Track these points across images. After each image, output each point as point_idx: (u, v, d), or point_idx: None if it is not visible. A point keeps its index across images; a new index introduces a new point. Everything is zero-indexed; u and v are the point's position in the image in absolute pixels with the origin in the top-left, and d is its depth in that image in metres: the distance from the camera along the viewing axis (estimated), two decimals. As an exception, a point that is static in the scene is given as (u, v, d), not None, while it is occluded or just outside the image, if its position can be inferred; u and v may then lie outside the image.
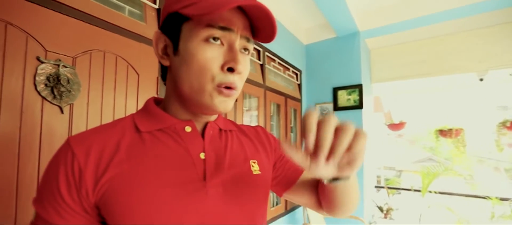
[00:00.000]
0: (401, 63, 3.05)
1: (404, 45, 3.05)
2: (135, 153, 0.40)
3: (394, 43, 3.07)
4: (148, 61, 1.28)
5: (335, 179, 0.41)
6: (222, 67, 0.40)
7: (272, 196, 2.31)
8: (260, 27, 0.43)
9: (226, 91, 0.41)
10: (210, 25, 0.39)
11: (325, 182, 0.43)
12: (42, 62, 0.91)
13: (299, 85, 2.94)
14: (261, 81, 2.22)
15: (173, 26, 0.42)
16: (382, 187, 3.18)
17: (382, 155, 8.05)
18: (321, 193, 0.55)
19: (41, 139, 0.89)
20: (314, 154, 0.34)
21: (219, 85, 0.41)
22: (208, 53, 0.40)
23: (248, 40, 0.43)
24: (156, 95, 1.31)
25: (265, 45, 2.29)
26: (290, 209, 2.51)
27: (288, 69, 2.74)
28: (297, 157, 0.35)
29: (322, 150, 0.33)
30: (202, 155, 0.44)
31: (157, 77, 1.32)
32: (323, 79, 2.94)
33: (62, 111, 0.94)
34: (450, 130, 3.49)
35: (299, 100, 2.91)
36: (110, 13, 1.14)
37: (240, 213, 0.44)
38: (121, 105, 1.14)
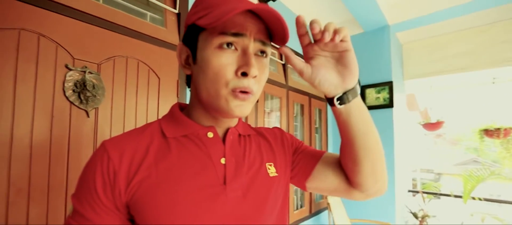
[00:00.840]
0: (437, 57, 2.80)
1: (440, 38, 2.80)
2: (162, 157, 0.43)
3: (428, 35, 2.83)
4: (169, 65, 1.32)
5: (343, 96, 0.44)
6: (236, 72, 0.41)
7: (295, 198, 2.26)
8: (274, 29, 0.43)
9: (241, 95, 0.42)
10: (222, 33, 0.41)
11: (336, 101, 0.44)
12: (70, 70, 0.97)
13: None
14: (283, 81, 2.18)
15: (191, 37, 0.45)
16: (417, 192, 2.95)
17: (418, 156, 7.52)
18: (341, 152, 0.52)
19: (70, 141, 0.95)
20: (315, 40, 0.41)
21: (234, 90, 0.42)
22: (221, 60, 0.41)
23: (263, 43, 0.43)
24: (176, 98, 1.34)
25: (288, 44, 2.24)
26: (314, 212, 2.43)
27: (312, 68, 2.66)
28: (296, 61, 0.43)
29: (314, 25, 0.39)
30: (222, 160, 0.46)
31: (177, 80, 1.35)
32: (350, 78, 2.81)
33: (88, 115, 1.00)
34: (498, 129, 3.11)
35: (324, 100, 2.82)
36: (132, 20, 1.19)
37: (258, 215, 0.46)
38: (142, 108, 1.19)
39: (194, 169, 0.43)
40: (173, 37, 1.36)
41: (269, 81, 2.01)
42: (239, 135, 0.52)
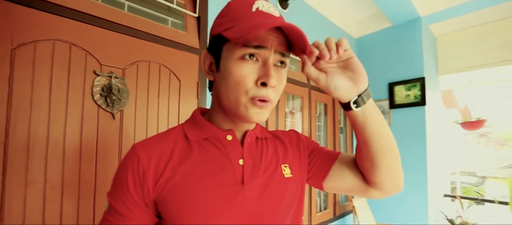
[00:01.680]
0: (477, 49, 2.55)
1: (479, 28, 2.55)
2: (185, 159, 0.47)
3: (466, 26, 2.59)
4: (189, 68, 1.36)
5: (358, 99, 0.46)
6: (256, 82, 0.44)
7: (318, 200, 2.20)
8: (294, 42, 0.46)
9: (259, 103, 0.45)
10: (245, 45, 0.44)
11: (352, 105, 0.47)
12: (98, 75, 1.04)
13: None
14: (305, 81, 2.14)
15: (216, 47, 0.48)
16: (455, 196, 2.72)
17: (457, 158, 6.94)
18: (357, 153, 0.54)
19: (98, 142, 1.02)
20: (319, 55, 0.44)
21: (253, 98, 0.45)
22: (243, 70, 0.44)
23: (283, 54, 0.46)
24: (196, 99, 1.38)
25: (309, 42, 2.20)
26: (339, 215, 2.35)
27: (336, 66, 2.58)
28: (311, 70, 0.46)
29: (321, 47, 0.44)
30: (241, 161, 0.49)
31: (197, 82, 1.39)
32: (377, 75, 2.68)
33: (113, 117, 1.07)
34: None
35: (349, 99, 2.71)
36: (154, 26, 1.25)
37: (274, 213, 0.48)
38: (164, 110, 1.24)
39: (214, 169, 0.47)
40: (193, 41, 1.40)
41: (291, 81, 1.99)
42: (257, 137, 0.55)
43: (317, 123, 2.28)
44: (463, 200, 2.63)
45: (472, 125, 3.07)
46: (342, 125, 2.66)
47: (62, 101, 0.95)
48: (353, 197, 2.54)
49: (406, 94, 2.44)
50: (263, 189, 0.48)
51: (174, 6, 1.33)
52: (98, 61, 1.05)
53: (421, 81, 2.36)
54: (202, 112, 0.56)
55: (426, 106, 2.35)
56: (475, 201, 2.66)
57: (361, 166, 0.54)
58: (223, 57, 0.47)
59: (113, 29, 1.10)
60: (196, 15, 1.44)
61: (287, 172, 0.54)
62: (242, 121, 0.49)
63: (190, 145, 0.49)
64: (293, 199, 0.53)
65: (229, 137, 0.50)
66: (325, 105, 2.40)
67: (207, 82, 0.55)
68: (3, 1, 0.86)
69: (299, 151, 0.59)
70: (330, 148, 2.38)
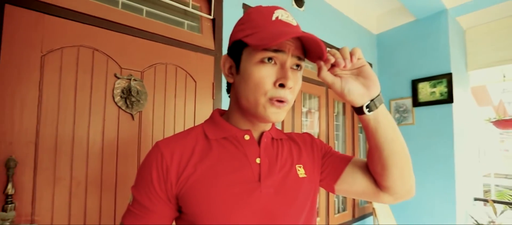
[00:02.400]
0: (510, 42, 2.36)
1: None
2: (205, 156, 0.50)
3: (497, 17, 2.40)
4: (205, 69, 1.39)
5: (370, 103, 0.49)
6: (274, 83, 0.47)
7: (336, 201, 2.16)
8: (311, 49, 0.49)
9: (277, 103, 0.47)
10: (265, 49, 0.46)
11: (365, 109, 0.49)
12: (118, 78, 1.10)
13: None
14: (321, 79, 2.11)
15: (236, 51, 0.51)
16: (486, 200, 2.53)
17: (491, 159, 6.46)
18: (369, 157, 0.56)
19: (118, 141, 1.08)
20: (334, 63, 0.48)
21: (271, 99, 0.47)
22: (262, 72, 0.47)
23: (299, 58, 0.49)
24: (212, 99, 1.40)
25: (326, 40, 2.16)
26: (358, 217, 2.29)
27: (355, 63, 2.50)
28: (327, 74, 0.49)
29: (336, 56, 0.47)
30: (257, 160, 0.52)
31: (213, 83, 1.42)
32: (399, 72, 2.56)
33: (133, 118, 1.12)
34: None
35: (369, 97, 2.62)
36: (171, 29, 1.29)
37: (288, 210, 0.50)
38: (180, 110, 1.28)
39: (233, 166, 0.50)
40: (209, 42, 1.43)
41: (307, 80, 1.96)
42: (272, 138, 0.57)
43: (335, 122, 2.23)
44: (496, 205, 2.45)
45: (507, 123, 2.84)
46: (361, 124, 2.58)
47: (86, 103, 1.01)
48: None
49: (431, 91, 2.31)
50: (278, 187, 0.51)
51: (190, 9, 1.37)
52: (118, 65, 1.11)
53: (447, 77, 2.23)
54: (220, 113, 0.59)
55: (453, 104, 2.22)
56: (510, 206, 2.46)
57: (373, 170, 0.55)
58: (243, 60, 0.49)
59: (132, 34, 1.15)
60: (211, 17, 1.47)
61: (301, 172, 0.56)
62: (260, 121, 0.51)
63: (210, 144, 0.52)
64: (306, 199, 0.55)
65: (247, 137, 0.53)
66: (344, 105, 2.34)
67: (225, 84, 0.58)
68: (34, 12, 0.94)
69: (312, 152, 0.62)
70: (349, 147, 2.32)
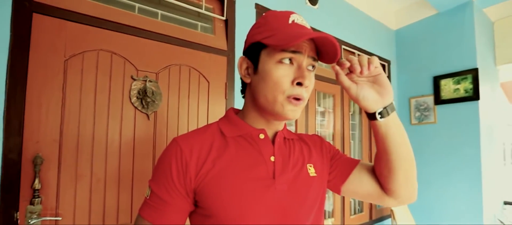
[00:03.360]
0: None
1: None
2: (223, 153, 0.52)
3: (532, 8, 2.23)
4: (217, 69, 1.41)
5: (383, 110, 0.51)
6: (292, 82, 0.50)
7: (352, 202, 2.11)
8: (324, 51, 0.52)
9: (294, 101, 0.50)
10: (283, 50, 0.49)
11: (377, 115, 0.51)
12: (135, 80, 1.15)
13: (388, 78, 2.56)
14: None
15: (254, 52, 0.54)
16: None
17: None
18: (376, 161, 0.59)
19: (135, 140, 1.13)
20: (351, 69, 0.51)
21: (289, 97, 0.50)
22: (280, 72, 0.50)
23: (314, 59, 0.52)
24: (225, 99, 1.43)
25: (342, 38, 2.12)
26: (376, 219, 2.22)
27: (372, 60, 2.43)
28: (344, 78, 0.51)
29: (353, 62, 0.50)
30: (272, 158, 0.54)
31: (226, 83, 1.44)
32: (420, 68, 2.46)
33: (148, 118, 1.17)
34: None
35: (388, 95, 2.53)
36: (185, 31, 1.32)
37: (299, 207, 0.53)
38: (194, 110, 1.31)
39: (249, 163, 0.52)
40: (222, 43, 1.45)
41: (321, 78, 1.93)
42: (285, 138, 0.60)
43: (351, 122, 2.18)
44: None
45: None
46: (379, 123, 2.50)
47: (104, 104, 1.07)
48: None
49: (455, 88, 2.19)
50: (291, 184, 0.53)
51: (203, 11, 1.40)
52: (134, 67, 1.16)
53: (473, 73, 2.11)
54: (234, 112, 0.61)
55: (480, 101, 2.09)
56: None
57: (379, 173, 0.58)
58: (262, 61, 0.52)
59: (148, 37, 1.20)
60: (224, 18, 1.49)
61: (312, 171, 0.58)
62: (277, 118, 0.54)
63: (226, 141, 0.54)
64: (316, 197, 0.57)
65: (262, 136, 0.55)
66: (360, 103, 2.28)
67: (240, 85, 0.61)
68: (58, 19, 1.00)
69: (322, 153, 0.64)
70: (365, 147, 2.25)
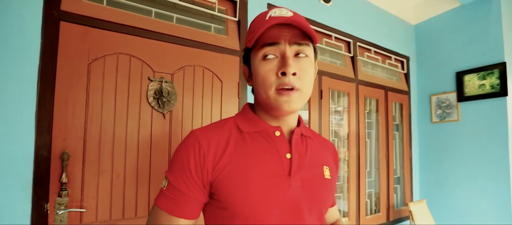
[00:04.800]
0: None
1: None
2: (240, 148, 0.53)
3: None
4: (230, 69, 1.45)
5: None
6: (276, 74, 0.50)
7: (368, 202, 2.06)
8: (309, 33, 0.51)
9: (284, 92, 0.50)
10: (262, 46, 0.51)
11: None
12: (151, 81, 1.21)
13: (406, 75, 2.48)
14: (352, 75, 2.03)
15: (247, 57, 0.57)
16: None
17: None
18: None
19: (152, 138, 1.19)
20: None
21: (277, 89, 0.50)
22: (265, 67, 0.51)
23: (299, 44, 0.51)
24: (237, 98, 1.46)
25: (357, 35, 2.08)
26: (393, 220, 2.15)
27: (389, 58, 2.36)
28: None
29: None
30: (288, 155, 0.54)
31: (238, 82, 1.47)
32: (441, 64, 2.35)
33: (164, 117, 1.22)
34: None
35: (406, 93, 2.45)
36: (198, 33, 1.37)
37: (312, 206, 0.54)
38: (207, 109, 1.35)
39: (266, 159, 0.52)
40: (234, 43, 1.49)
41: (335, 76, 1.91)
42: (301, 134, 0.60)
43: (366, 120, 2.13)
44: None
45: None
46: (397, 122, 2.42)
47: (124, 104, 1.14)
48: (410, 200, 2.30)
49: (480, 84, 2.08)
50: (305, 182, 0.53)
51: (216, 13, 1.44)
52: (151, 68, 1.22)
53: (500, 67, 1.99)
54: (251, 107, 0.62)
55: (508, 97, 1.97)
56: None
57: None
58: (252, 63, 0.55)
59: (164, 39, 1.26)
60: (237, 19, 1.52)
61: (327, 173, 0.59)
62: (277, 113, 0.54)
63: (243, 137, 0.54)
64: (327, 200, 0.58)
65: (278, 133, 0.56)
66: (377, 101, 2.22)
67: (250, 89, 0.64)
68: (82, 26, 1.08)
69: (334, 162, 0.66)
70: (382, 146, 2.20)
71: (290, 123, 0.58)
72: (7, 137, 0.93)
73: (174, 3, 1.33)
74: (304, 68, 0.51)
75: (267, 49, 0.50)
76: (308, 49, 0.52)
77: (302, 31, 0.51)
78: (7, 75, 0.94)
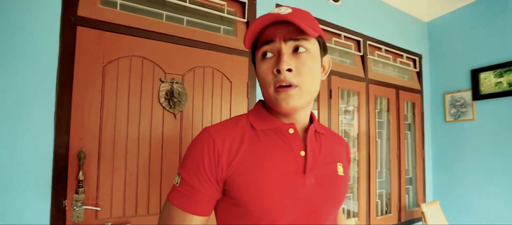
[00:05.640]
0: None
1: None
2: (254, 145, 0.52)
3: None
4: (239, 70, 1.47)
5: None
6: (272, 72, 0.51)
7: (379, 202, 2.03)
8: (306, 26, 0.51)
9: (282, 89, 0.50)
10: (261, 46, 0.52)
11: None
12: (163, 82, 1.24)
13: (418, 73, 2.43)
14: (361, 74, 2.01)
15: (253, 59, 0.59)
16: None
17: None
18: None
19: (163, 138, 1.22)
20: None
21: (275, 87, 0.51)
22: (264, 66, 0.52)
23: (296, 40, 0.50)
24: (247, 99, 1.47)
25: (367, 33, 2.05)
26: (405, 221, 2.11)
27: (401, 56, 2.32)
28: None
29: None
30: (302, 153, 0.54)
31: (247, 83, 1.49)
32: (456, 61, 2.29)
33: (175, 117, 1.26)
34: None
35: (419, 91, 2.40)
36: (208, 35, 1.40)
37: (325, 203, 0.54)
38: (217, 109, 1.38)
39: (280, 157, 0.52)
40: (243, 44, 1.50)
41: (344, 75, 1.90)
42: (315, 131, 0.60)
43: (377, 120, 2.10)
44: None
45: None
46: (409, 121, 2.37)
47: (136, 105, 1.18)
48: (423, 201, 2.24)
49: (497, 81, 2.01)
50: (319, 180, 0.53)
51: (225, 14, 1.46)
52: (162, 70, 1.25)
53: (518, 65, 1.92)
54: (263, 104, 0.61)
55: (526, 96, 1.89)
56: None
57: None
58: (256, 64, 0.56)
59: (175, 41, 1.29)
60: (245, 20, 1.54)
61: (340, 170, 0.58)
62: (280, 111, 0.54)
63: (257, 134, 0.54)
64: (341, 197, 0.58)
65: (291, 130, 0.56)
66: (388, 100, 2.19)
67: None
68: (97, 30, 1.12)
69: (347, 159, 0.66)
70: (394, 146, 2.16)
71: (302, 119, 0.57)
72: (29, 137, 0.98)
73: (185, 6, 1.36)
74: (303, 63, 0.50)
75: (264, 48, 0.52)
76: (308, 44, 0.51)
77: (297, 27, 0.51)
78: (28, 79, 1.00)
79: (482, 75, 2.09)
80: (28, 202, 0.96)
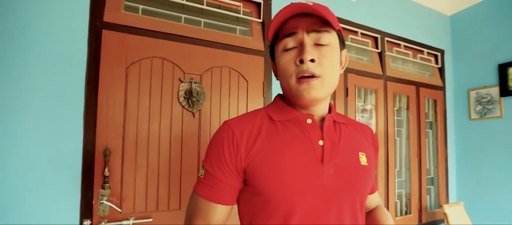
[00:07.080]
0: None
1: None
2: (272, 136, 0.54)
3: None
4: (255, 70, 1.49)
5: None
6: (295, 63, 0.52)
7: (398, 202, 1.98)
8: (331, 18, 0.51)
9: (304, 80, 0.51)
10: (282, 38, 0.53)
11: None
12: (182, 82, 1.28)
13: (441, 69, 2.34)
14: (379, 72, 1.97)
15: (272, 52, 0.60)
16: None
17: None
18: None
19: (182, 136, 1.27)
20: None
21: (297, 77, 0.52)
22: (285, 58, 0.53)
23: (318, 32, 0.52)
24: (263, 97, 1.49)
25: (385, 29, 2.01)
26: (426, 223, 2.04)
27: (421, 52, 2.24)
28: None
29: None
30: (320, 142, 0.54)
31: (263, 82, 1.50)
32: (481, 56, 2.18)
33: (194, 116, 1.30)
34: None
35: (441, 88, 2.31)
36: (225, 36, 1.43)
37: (345, 193, 0.53)
38: (234, 108, 1.41)
39: (298, 146, 0.53)
40: (259, 44, 1.52)
41: (360, 73, 1.87)
42: (334, 121, 0.60)
43: (396, 118, 2.05)
44: None
45: None
46: (430, 119, 2.29)
47: (157, 105, 1.23)
48: (445, 202, 2.16)
49: (527, 77, 1.90)
50: (339, 169, 0.53)
51: (241, 15, 1.49)
52: (182, 70, 1.30)
53: (551, 59, 1.80)
54: (282, 98, 0.63)
55: (561, 92, 1.78)
56: None
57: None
58: (276, 57, 0.57)
59: (193, 43, 1.33)
60: (261, 20, 1.55)
61: (363, 160, 0.58)
62: (301, 103, 0.55)
63: (275, 125, 0.56)
64: (366, 186, 0.57)
65: (309, 121, 0.56)
66: (407, 98, 2.13)
67: (277, 84, 0.67)
68: (121, 33, 1.18)
69: (373, 148, 0.65)
70: (414, 145, 2.09)
71: (321, 111, 0.58)
72: (61, 135, 1.05)
73: (202, 9, 1.40)
74: (325, 55, 0.51)
75: (287, 40, 0.52)
76: (329, 37, 0.52)
77: (320, 19, 0.52)
78: (60, 82, 1.07)
79: (511, 70, 1.98)
80: (61, 196, 1.04)
